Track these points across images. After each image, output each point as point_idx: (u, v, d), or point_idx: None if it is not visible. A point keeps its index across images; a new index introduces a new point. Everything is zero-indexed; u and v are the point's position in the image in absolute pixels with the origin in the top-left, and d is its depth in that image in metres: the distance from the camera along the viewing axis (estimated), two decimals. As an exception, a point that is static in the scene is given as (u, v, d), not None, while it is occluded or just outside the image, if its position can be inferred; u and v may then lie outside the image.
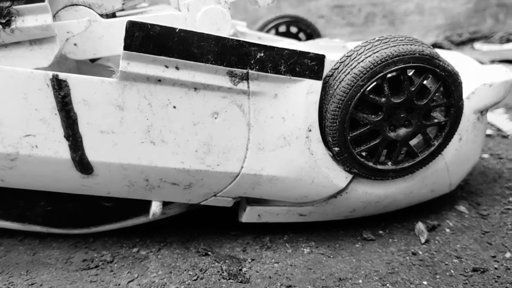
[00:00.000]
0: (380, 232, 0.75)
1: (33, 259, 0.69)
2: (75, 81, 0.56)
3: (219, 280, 0.63)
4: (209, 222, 0.78)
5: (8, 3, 0.55)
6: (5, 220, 0.71)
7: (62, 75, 0.55)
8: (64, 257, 0.69)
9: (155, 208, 0.66)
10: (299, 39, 1.16)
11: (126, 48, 0.55)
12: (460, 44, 2.01)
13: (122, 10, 0.73)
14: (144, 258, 0.69)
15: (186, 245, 0.73)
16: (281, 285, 0.61)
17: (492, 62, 1.83)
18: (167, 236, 0.75)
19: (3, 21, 0.55)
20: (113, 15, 0.67)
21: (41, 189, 0.63)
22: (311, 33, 1.15)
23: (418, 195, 0.73)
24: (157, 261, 0.68)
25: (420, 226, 0.74)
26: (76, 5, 0.64)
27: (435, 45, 1.99)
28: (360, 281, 0.62)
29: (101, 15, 0.66)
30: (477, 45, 1.96)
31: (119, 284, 0.62)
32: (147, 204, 0.71)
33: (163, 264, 0.67)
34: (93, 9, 0.65)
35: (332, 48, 0.88)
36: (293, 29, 1.16)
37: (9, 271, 0.65)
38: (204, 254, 0.70)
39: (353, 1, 1.95)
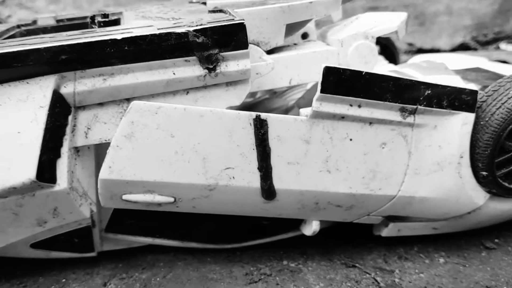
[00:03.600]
0: (496, 240, 0.83)
1: (199, 275, 0.75)
2: (273, 120, 0.62)
3: (378, 290, 0.71)
4: (342, 235, 0.85)
5: (216, 50, 0.61)
6: (167, 239, 0.77)
7: (263, 115, 0.62)
8: (226, 272, 0.75)
9: (316, 226, 0.73)
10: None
11: (322, 91, 0.61)
12: (485, 44, 2.12)
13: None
14: (297, 270, 0.76)
15: (327, 257, 0.80)
16: (439, 294, 0.69)
17: (519, 62, 1.92)
18: (305, 248, 0.82)
19: (211, 66, 0.61)
20: (270, 50, 0.73)
21: (223, 213, 0.70)
22: (386, 44, 1.22)
23: (531, 207, 0.82)
24: (311, 273, 0.75)
25: (534, 235, 0.83)
26: (246, 43, 0.69)
27: (463, 45, 2.08)
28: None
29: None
30: (502, 45, 2.06)
31: (292, 297, 0.69)
32: (297, 221, 0.77)
33: (319, 276, 0.74)
34: (260, 47, 0.70)
35: (435, 70, 0.95)
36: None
37: None
38: (351, 265, 0.77)
39: (387, 2, 2.02)
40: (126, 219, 0.73)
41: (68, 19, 0.93)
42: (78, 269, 0.77)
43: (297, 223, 0.78)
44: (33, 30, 0.90)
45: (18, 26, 0.90)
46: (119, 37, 0.57)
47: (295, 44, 0.78)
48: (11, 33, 0.84)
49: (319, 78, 0.61)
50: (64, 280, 0.74)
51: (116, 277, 0.75)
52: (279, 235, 0.80)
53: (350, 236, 0.85)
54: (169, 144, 0.60)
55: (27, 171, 0.58)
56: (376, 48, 0.75)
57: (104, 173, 0.60)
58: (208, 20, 0.62)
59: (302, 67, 0.73)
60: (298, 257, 0.80)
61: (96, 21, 0.69)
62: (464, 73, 1.00)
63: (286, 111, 0.89)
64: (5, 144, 0.57)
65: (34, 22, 0.93)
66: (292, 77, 0.73)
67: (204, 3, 0.86)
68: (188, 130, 0.60)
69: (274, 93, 0.95)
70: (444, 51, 2.08)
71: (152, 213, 0.71)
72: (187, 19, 0.66)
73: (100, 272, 0.76)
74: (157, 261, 0.79)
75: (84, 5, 1.83)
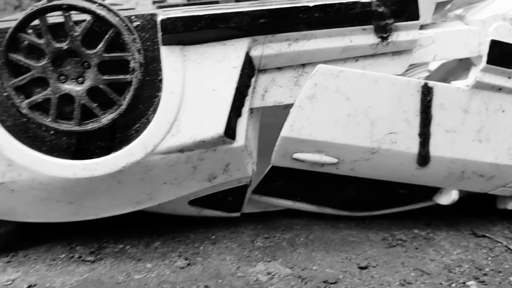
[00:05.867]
0: None
1: (340, 237, 0.79)
2: (438, 88, 0.66)
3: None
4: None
5: (392, 20, 0.65)
6: (307, 203, 0.81)
7: (430, 83, 0.66)
8: (363, 236, 0.80)
9: (455, 195, 0.77)
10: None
11: (488, 62, 0.65)
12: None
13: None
14: (430, 238, 0.80)
15: (454, 227, 0.84)
16: None
17: None
18: (430, 219, 0.86)
19: (385, 35, 0.65)
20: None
21: (375, 178, 0.74)
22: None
23: None
24: (444, 240, 0.79)
25: None
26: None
27: None
28: None
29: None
30: None
31: (433, 259, 0.73)
32: (431, 191, 0.81)
33: (453, 244, 0.78)
34: (410, 23, 0.74)
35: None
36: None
37: (340, 249, 0.76)
38: (480, 235, 0.81)
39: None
40: (276, 181, 0.78)
41: (198, -3, 0.98)
42: (222, 228, 0.82)
43: (430, 193, 0.82)
44: (164, 6, 0.95)
45: (153, 3, 0.95)
46: (311, 4, 0.62)
47: (433, 23, 0.82)
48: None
49: (484, 51, 0.66)
50: (213, 236, 0.79)
51: (260, 236, 0.80)
52: (410, 205, 0.84)
53: (471, 210, 0.89)
54: (344, 106, 0.65)
55: (217, 126, 0.63)
56: (514, 29, 0.79)
57: (285, 131, 0.64)
58: (384, -8, 0.66)
59: (447, 44, 0.76)
60: (425, 227, 0.84)
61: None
62: None
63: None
64: (200, 101, 0.62)
65: (165, -1, 0.98)
66: (437, 53, 0.76)
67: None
68: (363, 94, 0.65)
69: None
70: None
71: (300, 177, 0.75)
72: None
73: (244, 231, 0.81)
74: (293, 224, 0.84)
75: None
